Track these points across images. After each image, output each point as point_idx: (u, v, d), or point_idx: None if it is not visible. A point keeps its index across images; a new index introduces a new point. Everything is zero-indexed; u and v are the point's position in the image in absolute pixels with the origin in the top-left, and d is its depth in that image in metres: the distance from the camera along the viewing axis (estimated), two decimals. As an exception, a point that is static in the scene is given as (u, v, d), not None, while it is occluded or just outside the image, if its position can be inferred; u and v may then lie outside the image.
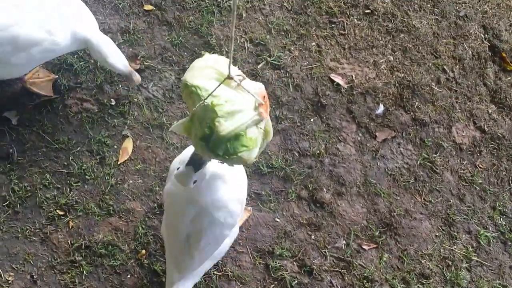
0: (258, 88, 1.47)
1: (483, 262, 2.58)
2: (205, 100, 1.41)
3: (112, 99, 2.56)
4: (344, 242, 2.48)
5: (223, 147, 1.42)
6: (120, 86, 2.60)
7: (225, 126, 1.40)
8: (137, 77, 2.29)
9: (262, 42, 2.78)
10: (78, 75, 2.57)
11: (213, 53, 2.73)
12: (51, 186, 2.38)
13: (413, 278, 2.48)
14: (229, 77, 1.41)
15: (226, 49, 2.74)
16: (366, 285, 2.43)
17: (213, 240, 1.93)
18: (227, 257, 2.38)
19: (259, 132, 1.48)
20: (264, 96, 1.46)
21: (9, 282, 2.24)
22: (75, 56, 2.60)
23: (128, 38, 2.68)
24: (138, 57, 2.65)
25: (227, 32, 2.78)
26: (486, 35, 3.07)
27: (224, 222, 1.88)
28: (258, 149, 1.50)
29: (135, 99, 2.58)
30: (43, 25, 2.08)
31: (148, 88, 2.60)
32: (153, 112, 2.58)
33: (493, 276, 2.57)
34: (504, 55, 3.03)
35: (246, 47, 2.77)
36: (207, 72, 1.47)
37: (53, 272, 2.27)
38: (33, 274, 2.26)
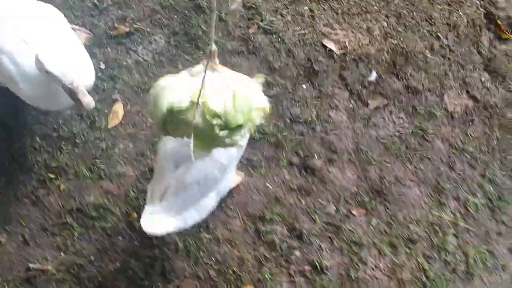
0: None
1: (470, 228, 2.62)
2: (197, 103, 1.44)
3: (101, 62, 2.54)
4: (334, 207, 2.51)
5: (238, 115, 1.49)
6: (109, 49, 2.57)
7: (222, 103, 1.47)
8: (87, 99, 1.78)
9: (254, 6, 2.74)
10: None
11: (203, 16, 2.69)
12: (41, 149, 2.38)
13: (400, 243, 2.52)
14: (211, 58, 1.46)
15: (218, 13, 2.69)
16: (354, 249, 2.47)
17: (203, 175, 1.89)
18: (218, 220, 2.40)
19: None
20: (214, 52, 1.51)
21: (2, 243, 2.27)
22: (64, 19, 2.56)
23: (117, 0, 2.63)
24: (127, 19, 2.61)
25: (219, -5, 2.73)
26: (481, 2, 3.02)
27: (218, 160, 1.88)
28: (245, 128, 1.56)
29: (124, 63, 2.55)
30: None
31: (137, 51, 2.57)
32: (143, 76, 2.56)
33: (479, 242, 2.61)
34: (499, 22, 2.98)
35: (237, 11, 2.73)
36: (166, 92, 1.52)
37: (45, 234, 2.30)
38: (25, 235, 2.29)
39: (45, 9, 2.08)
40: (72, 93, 1.73)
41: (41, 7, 2.08)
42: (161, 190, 1.92)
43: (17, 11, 1.96)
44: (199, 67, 1.58)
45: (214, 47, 1.49)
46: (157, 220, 1.93)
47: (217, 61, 1.55)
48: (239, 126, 1.53)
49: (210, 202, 2.11)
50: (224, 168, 1.96)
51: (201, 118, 1.48)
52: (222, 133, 1.51)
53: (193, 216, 2.07)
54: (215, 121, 1.48)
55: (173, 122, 1.52)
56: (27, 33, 1.90)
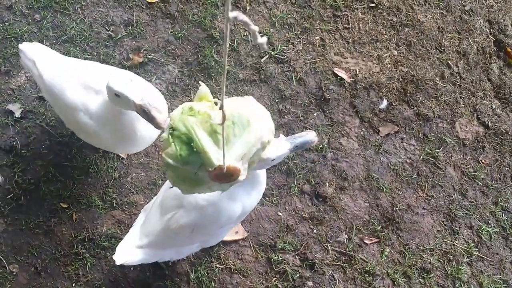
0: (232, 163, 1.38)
1: (484, 257, 2.59)
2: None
3: (115, 92, 2.56)
4: (346, 236, 2.49)
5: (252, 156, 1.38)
6: (123, 79, 2.59)
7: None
8: (162, 116, 1.68)
9: (265, 36, 2.77)
10: (81, 68, 2.56)
11: (215, 46, 2.72)
12: (54, 179, 2.39)
13: (414, 272, 2.49)
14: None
15: (230, 43, 2.73)
16: (367, 279, 2.44)
17: (196, 227, 1.86)
18: (230, 249, 2.39)
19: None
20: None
21: (14, 273, 2.26)
22: (78, 49, 2.59)
23: (132, 31, 2.66)
24: (141, 50, 2.64)
25: (231, 26, 2.76)
26: (491, 30, 3.04)
27: (216, 217, 1.86)
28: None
29: (138, 93, 2.58)
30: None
31: (151, 81, 2.60)
32: (156, 105, 2.58)
33: (493, 271, 2.58)
34: (509, 50, 3.00)
35: (250, 41, 2.76)
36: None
37: (57, 264, 2.29)
38: (37, 266, 2.27)
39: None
40: (145, 112, 1.64)
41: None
42: (150, 230, 1.93)
43: (83, 67, 2.04)
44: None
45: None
46: (130, 252, 1.95)
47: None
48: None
49: (192, 248, 2.11)
50: (220, 226, 1.93)
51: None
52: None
53: (170, 255, 2.07)
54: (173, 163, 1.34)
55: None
56: (96, 82, 1.95)
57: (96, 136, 2.01)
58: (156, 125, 1.63)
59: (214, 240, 2.13)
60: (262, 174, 1.85)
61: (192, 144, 1.33)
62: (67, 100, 1.98)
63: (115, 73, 2.01)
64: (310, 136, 1.61)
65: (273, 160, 1.60)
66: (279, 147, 1.59)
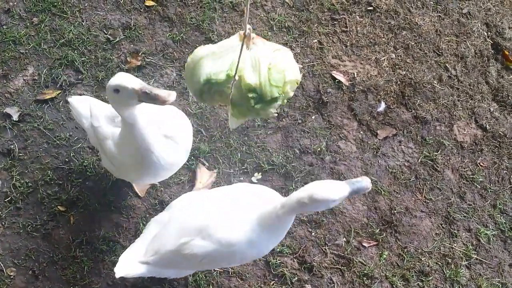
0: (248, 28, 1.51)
1: (482, 260, 2.59)
2: (234, 78, 1.46)
3: (113, 96, 2.56)
4: (344, 239, 2.49)
5: (273, 89, 1.50)
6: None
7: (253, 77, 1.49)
8: (164, 92, 1.69)
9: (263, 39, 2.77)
10: (79, 71, 2.57)
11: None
12: (52, 182, 2.39)
13: (412, 275, 2.49)
14: (245, 35, 1.44)
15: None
16: (366, 282, 2.44)
17: (206, 256, 1.85)
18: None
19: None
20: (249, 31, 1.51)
21: (11, 277, 2.25)
22: (76, 52, 2.59)
23: (129, 34, 2.67)
24: (139, 53, 2.64)
25: (229, 29, 2.77)
26: (489, 33, 3.05)
27: (231, 255, 1.85)
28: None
29: (136, 96, 2.58)
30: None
31: (149, 84, 2.60)
32: (154, 108, 2.58)
33: (492, 274, 2.58)
34: (506, 53, 3.01)
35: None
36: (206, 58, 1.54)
37: (54, 267, 2.28)
38: (35, 269, 2.27)
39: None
40: (147, 94, 1.63)
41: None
42: (160, 248, 1.91)
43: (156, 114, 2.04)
44: (235, 40, 1.55)
45: (248, 28, 1.47)
46: (132, 266, 1.93)
47: (253, 36, 1.52)
48: (274, 99, 1.52)
49: (184, 272, 2.12)
50: (229, 264, 1.94)
51: (237, 91, 1.49)
52: (257, 105, 1.51)
53: (170, 274, 2.06)
54: (250, 95, 1.48)
55: (210, 92, 1.52)
56: (168, 129, 1.97)
57: (121, 164, 2.02)
58: (161, 100, 1.61)
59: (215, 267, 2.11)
60: (290, 222, 1.88)
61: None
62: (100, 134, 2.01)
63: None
64: (366, 182, 1.67)
65: (334, 201, 1.65)
66: (340, 190, 1.64)
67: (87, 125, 2.14)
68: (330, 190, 1.61)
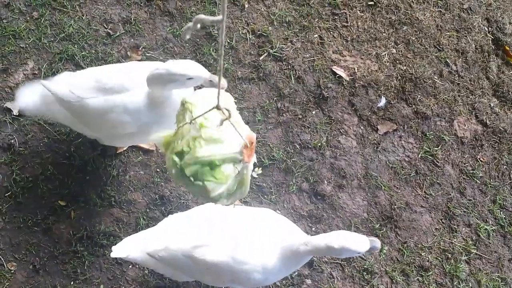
0: (249, 132, 1.47)
1: (482, 255, 2.60)
2: (195, 119, 1.43)
3: (113, 90, 2.55)
4: (344, 234, 2.49)
5: (193, 168, 1.43)
6: (121, 77, 2.59)
7: (204, 149, 1.41)
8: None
9: (264, 34, 2.77)
10: (79, 66, 2.56)
11: (214, 44, 2.72)
12: (52, 177, 2.39)
13: (412, 270, 2.50)
14: (218, 107, 1.37)
15: (229, 40, 2.72)
16: (365, 277, 2.44)
17: (214, 265, 1.84)
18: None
19: (234, 172, 1.46)
20: (252, 143, 1.44)
21: (12, 271, 2.26)
22: (76, 46, 2.58)
23: (130, 29, 2.66)
24: (140, 48, 2.64)
25: (229, 24, 2.76)
26: (489, 28, 3.05)
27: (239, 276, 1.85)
28: (226, 189, 1.47)
29: (137, 90, 2.57)
30: None
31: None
32: (155, 103, 2.57)
33: (492, 268, 2.59)
34: (507, 48, 3.01)
35: (248, 39, 2.76)
36: (208, 98, 1.50)
37: (55, 262, 2.28)
38: (35, 264, 2.27)
39: None
40: (211, 82, 1.80)
41: None
42: (171, 246, 1.88)
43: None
44: (242, 128, 1.49)
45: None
46: (134, 251, 1.92)
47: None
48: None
49: (188, 279, 2.11)
50: (232, 281, 1.91)
51: (188, 130, 1.46)
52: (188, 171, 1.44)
53: (165, 271, 2.04)
54: (184, 147, 1.44)
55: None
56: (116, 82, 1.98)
57: (142, 133, 2.02)
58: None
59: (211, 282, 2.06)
60: (305, 261, 1.93)
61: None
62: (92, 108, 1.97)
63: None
64: (378, 243, 1.81)
65: (359, 253, 1.76)
66: (364, 243, 1.76)
67: (74, 100, 2.02)
68: (360, 244, 1.73)
